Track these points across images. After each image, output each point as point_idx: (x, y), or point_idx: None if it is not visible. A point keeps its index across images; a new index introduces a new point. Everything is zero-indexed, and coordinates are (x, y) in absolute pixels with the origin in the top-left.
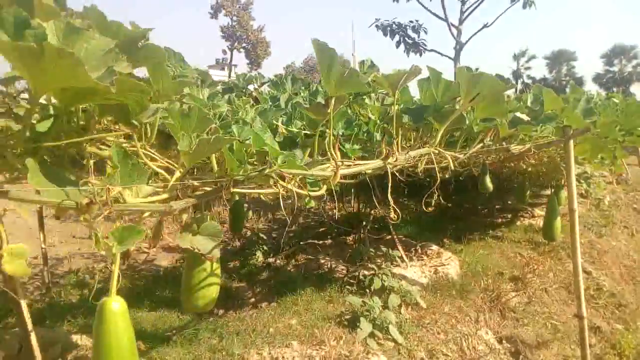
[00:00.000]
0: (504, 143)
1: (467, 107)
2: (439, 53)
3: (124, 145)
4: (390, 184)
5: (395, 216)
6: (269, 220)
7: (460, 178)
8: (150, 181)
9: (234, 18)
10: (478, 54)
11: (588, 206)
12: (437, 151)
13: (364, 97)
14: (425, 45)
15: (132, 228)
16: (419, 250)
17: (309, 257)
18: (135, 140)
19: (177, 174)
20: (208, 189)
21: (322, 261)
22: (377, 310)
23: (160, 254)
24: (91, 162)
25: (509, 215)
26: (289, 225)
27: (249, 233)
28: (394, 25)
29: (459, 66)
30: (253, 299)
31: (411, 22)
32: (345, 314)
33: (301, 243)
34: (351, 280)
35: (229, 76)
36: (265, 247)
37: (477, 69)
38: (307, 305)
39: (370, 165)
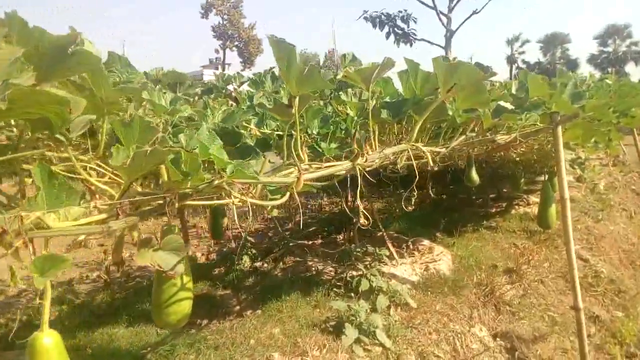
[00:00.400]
0: (488, 134)
1: (447, 99)
2: (429, 42)
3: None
4: (359, 186)
5: (366, 221)
6: (266, 219)
7: (454, 168)
8: (82, 201)
9: (225, 17)
10: (471, 40)
11: (583, 191)
12: (414, 147)
13: (340, 92)
14: (415, 35)
15: (54, 257)
16: (411, 247)
17: (297, 259)
18: (70, 154)
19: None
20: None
21: (310, 263)
22: (363, 314)
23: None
24: (29, 180)
25: (504, 204)
26: (287, 224)
27: (244, 234)
28: (382, 16)
29: (434, 56)
30: (238, 307)
31: (400, 12)
32: (331, 319)
33: (291, 244)
34: (338, 283)
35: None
36: (253, 251)
37: (454, 59)
38: (292, 312)
39: (338, 168)
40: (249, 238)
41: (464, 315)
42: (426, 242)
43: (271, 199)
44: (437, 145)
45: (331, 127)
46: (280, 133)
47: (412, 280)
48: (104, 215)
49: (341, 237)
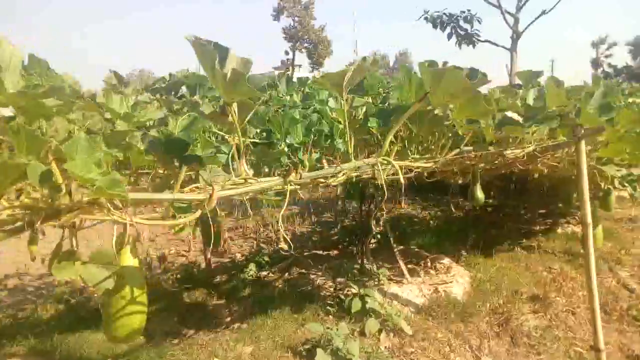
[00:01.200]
0: (490, 147)
1: (435, 107)
2: (494, 44)
3: None
4: (285, 205)
5: (286, 246)
6: (312, 223)
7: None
8: None
9: (296, 19)
10: (548, 42)
11: (634, 211)
12: (385, 161)
13: (329, 99)
14: (479, 36)
15: None
16: (429, 264)
17: (303, 271)
18: None
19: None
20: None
21: (313, 276)
22: (339, 339)
23: (200, 257)
24: None
25: (550, 222)
26: (333, 228)
27: (290, 236)
28: (444, 17)
29: (420, 61)
30: (229, 319)
31: (463, 12)
32: (309, 342)
33: (305, 254)
34: (330, 302)
35: (291, 77)
36: (266, 258)
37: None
38: (274, 330)
39: (266, 185)
40: (262, 245)
41: (470, 345)
42: (446, 260)
43: (181, 217)
44: (431, 158)
45: (312, 136)
46: (257, 141)
47: (417, 302)
48: None
49: (356, 250)
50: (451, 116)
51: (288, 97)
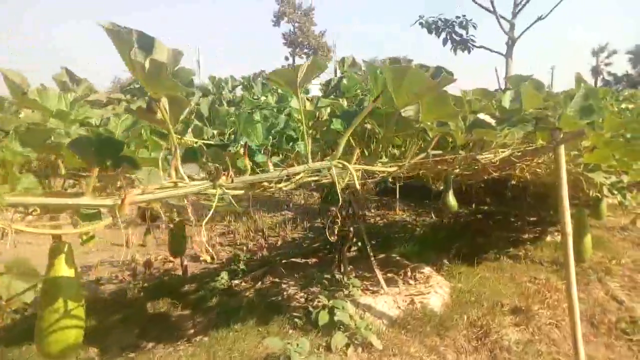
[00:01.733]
0: (461, 151)
1: (400, 107)
2: (489, 50)
3: None
4: (211, 212)
5: (209, 258)
6: (305, 229)
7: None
8: None
9: (296, 24)
10: (547, 49)
11: (623, 220)
12: (340, 164)
13: (291, 99)
14: (474, 42)
15: None
16: (409, 274)
17: (276, 280)
18: None
19: None
20: None
21: (285, 286)
22: (299, 357)
23: (189, 263)
24: None
25: (539, 230)
26: (324, 234)
27: (280, 242)
28: (439, 22)
29: (380, 59)
30: (192, 331)
31: (458, 17)
32: (270, 357)
33: (284, 261)
34: (297, 314)
35: None
36: (241, 266)
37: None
38: (233, 345)
39: (193, 189)
40: (239, 253)
41: None
42: (427, 269)
43: (87, 224)
44: (385, 164)
45: (271, 138)
46: (211, 142)
47: (390, 315)
48: None
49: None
50: (420, 118)
51: (263, 98)
